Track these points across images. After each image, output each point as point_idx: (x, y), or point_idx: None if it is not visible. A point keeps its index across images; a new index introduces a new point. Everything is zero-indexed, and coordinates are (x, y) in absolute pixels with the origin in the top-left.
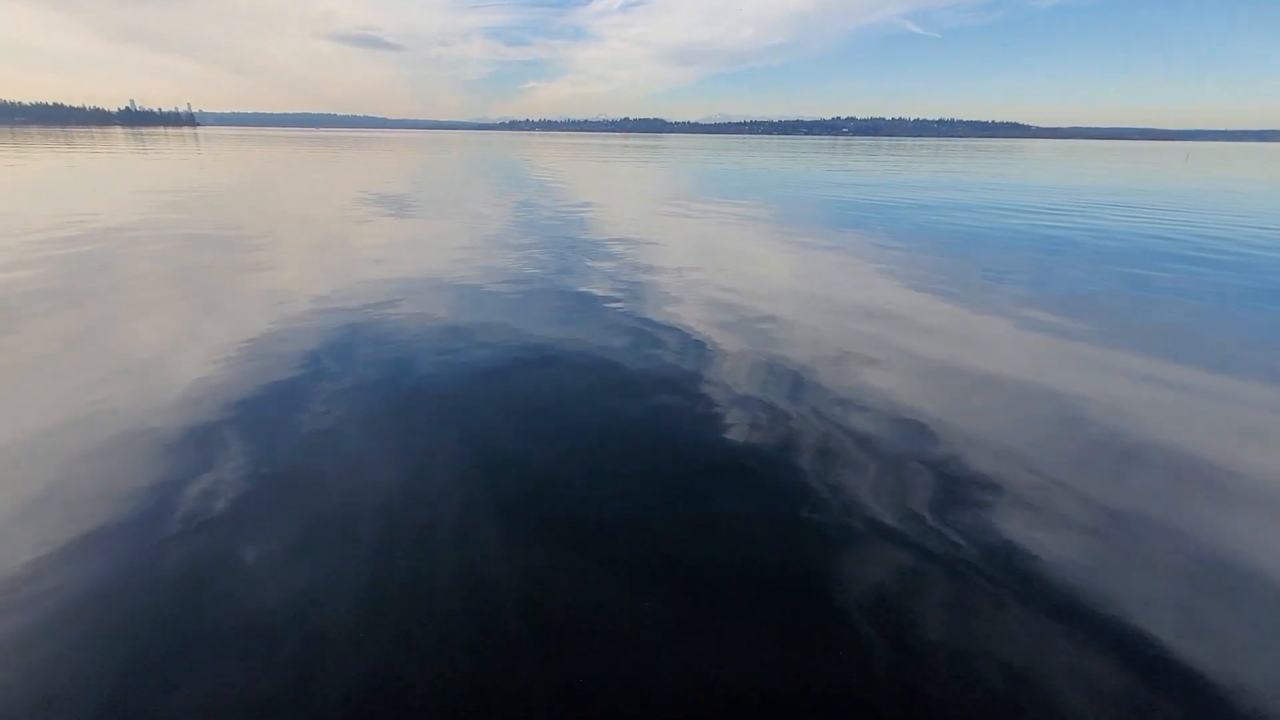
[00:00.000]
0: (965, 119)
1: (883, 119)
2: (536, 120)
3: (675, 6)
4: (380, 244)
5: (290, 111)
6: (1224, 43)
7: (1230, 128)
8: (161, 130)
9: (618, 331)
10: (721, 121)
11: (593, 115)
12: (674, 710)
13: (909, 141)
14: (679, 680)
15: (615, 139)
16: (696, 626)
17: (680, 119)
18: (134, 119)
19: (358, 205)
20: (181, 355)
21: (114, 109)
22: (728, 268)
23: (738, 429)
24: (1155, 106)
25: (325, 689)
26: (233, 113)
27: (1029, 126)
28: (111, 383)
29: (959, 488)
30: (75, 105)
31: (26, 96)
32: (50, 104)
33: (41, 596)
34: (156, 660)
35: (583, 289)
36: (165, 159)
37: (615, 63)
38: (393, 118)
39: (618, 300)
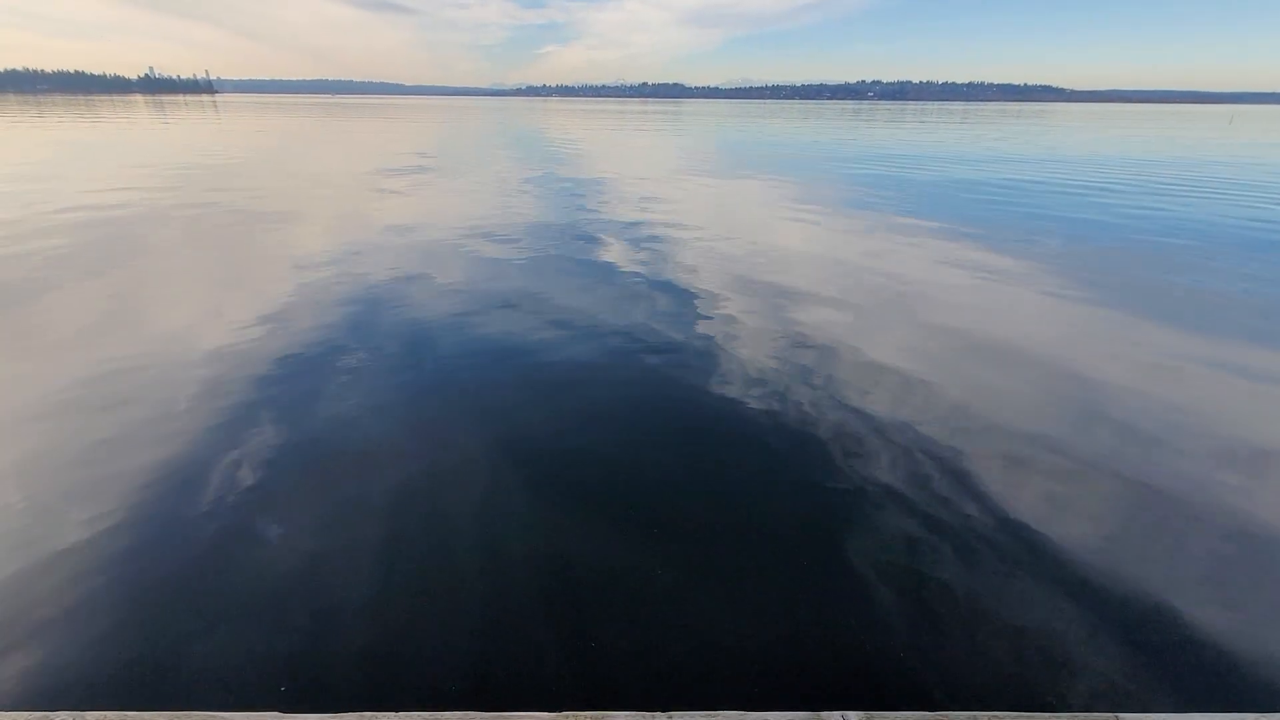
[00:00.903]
0: (996, 82)
1: (909, 82)
2: (554, 86)
3: None
4: (402, 214)
5: (307, 78)
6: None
7: (1273, 89)
8: (181, 98)
9: (633, 300)
10: (743, 86)
11: (610, 81)
12: (684, 668)
13: (934, 106)
14: (690, 639)
15: (633, 105)
16: (709, 587)
17: (700, 84)
18: (153, 86)
19: (378, 175)
20: (209, 324)
21: (133, 77)
22: (743, 237)
23: (750, 399)
24: (1197, 66)
25: (344, 647)
26: (250, 80)
27: (1063, 90)
28: (138, 353)
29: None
30: (96, 73)
31: (48, 64)
32: (71, 71)
33: (70, 569)
34: (183, 619)
35: (600, 258)
36: (187, 127)
37: (634, 26)
38: (409, 84)
39: (633, 269)
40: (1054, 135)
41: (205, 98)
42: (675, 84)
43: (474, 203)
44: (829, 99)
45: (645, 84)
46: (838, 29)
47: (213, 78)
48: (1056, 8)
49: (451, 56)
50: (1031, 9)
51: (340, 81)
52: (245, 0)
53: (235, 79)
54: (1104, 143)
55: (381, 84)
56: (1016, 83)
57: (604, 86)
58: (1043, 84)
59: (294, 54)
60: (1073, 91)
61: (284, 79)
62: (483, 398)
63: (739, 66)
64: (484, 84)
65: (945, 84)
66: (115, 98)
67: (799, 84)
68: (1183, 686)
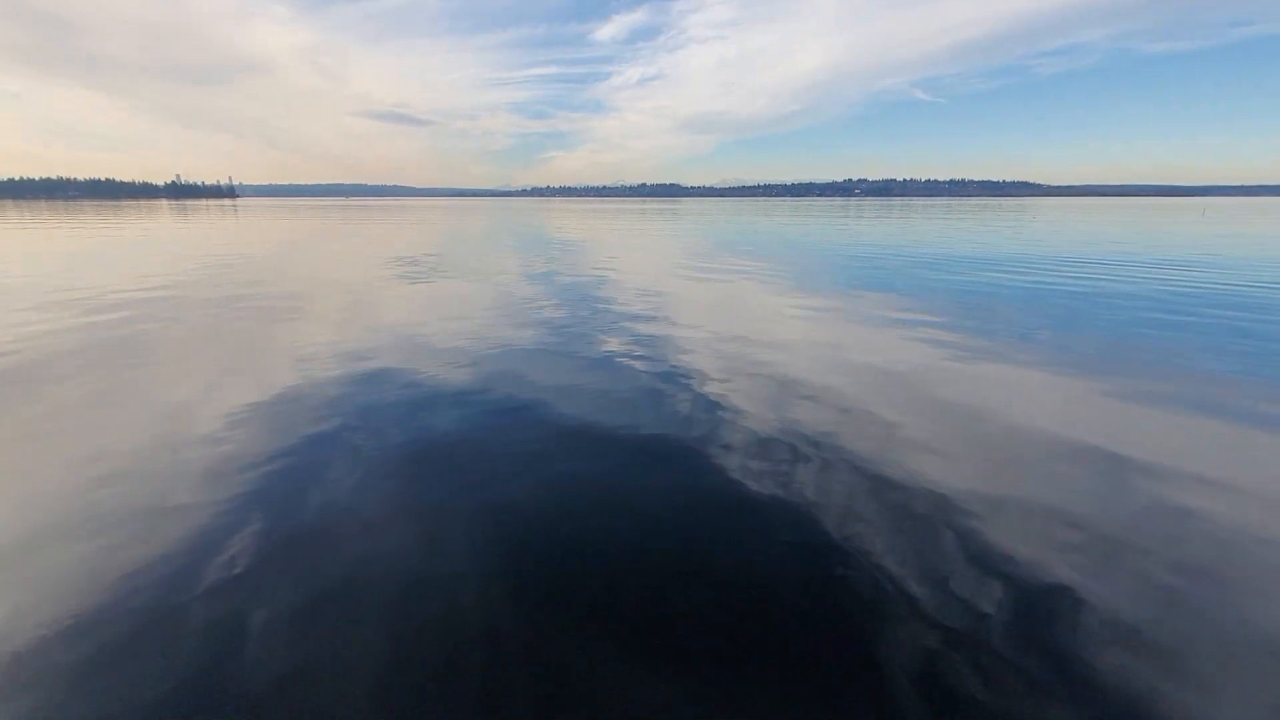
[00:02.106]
0: (976, 179)
1: (894, 180)
2: (557, 187)
3: (689, 80)
4: (405, 304)
5: (323, 182)
6: (1231, 102)
7: (1243, 183)
8: (204, 203)
9: (633, 388)
10: (736, 185)
11: (611, 181)
12: None
13: (919, 201)
14: None
15: (633, 204)
16: (709, 697)
17: (696, 184)
18: (179, 192)
19: (384, 268)
20: (209, 409)
21: (160, 183)
22: (738, 324)
23: (748, 482)
24: (1166, 163)
25: None
26: (269, 184)
27: (1040, 185)
28: (137, 437)
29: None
30: (125, 180)
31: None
32: (102, 179)
33: (51, 667)
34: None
35: (600, 347)
36: (204, 228)
37: (632, 132)
38: (421, 186)
39: (633, 356)
40: (1050, 228)
41: (227, 201)
42: (672, 184)
43: (476, 294)
44: (819, 196)
45: (644, 184)
46: (824, 133)
47: (235, 183)
48: (1029, 114)
49: (461, 161)
50: (1009, 112)
51: (356, 185)
52: (270, 114)
53: (256, 184)
54: (1113, 235)
55: (395, 187)
56: (995, 179)
57: (604, 187)
58: (1020, 180)
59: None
60: (1049, 186)
61: (302, 184)
62: (479, 487)
63: (732, 167)
64: (491, 185)
65: (928, 181)
66: (142, 202)
67: (789, 183)
68: None
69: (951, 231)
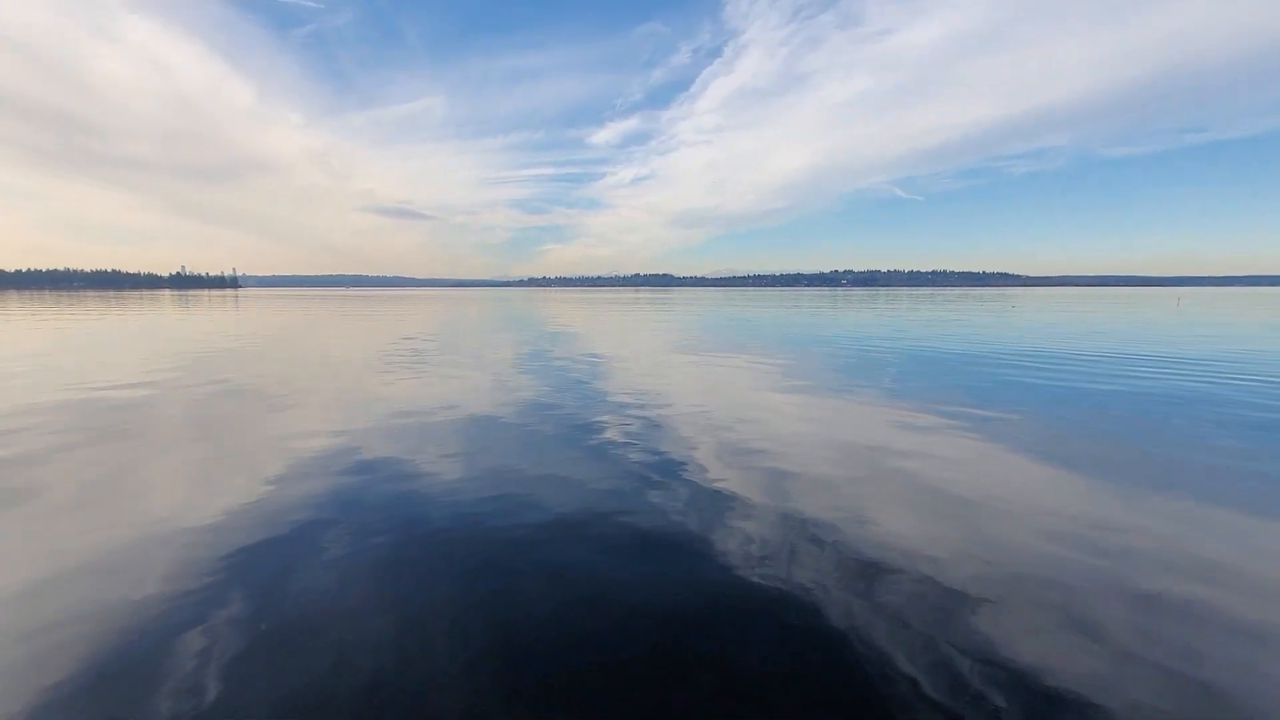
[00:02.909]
0: (957, 270)
1: (879, 271)
2: (553, 278)
3: (680, 179)
4: (398, 391)
5: (325, 273)
6: (1186, 201)
7: (1212, 274)
8: (206, 293)
9: (626, 479)
10: (727, 276)
11: (605, 272)
12: None
13: (904, 290)
14: None
15: (627, 293)
16: None
17: (688, 274)
18: (183, 283)
19: (379, 355)
20: (194, 501)
21: (165, 274)
22: (728, 411)
23: (738, 570)
24: (1139, 255)
25: None
26: (272, 275)
27: (1018, 275)
28: (116, 529)
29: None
30: (130, 271)
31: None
32: (108, 270)
33: None
34: None
35: (590, 433)
36: (202, 318)
37: (626, 226)
38: (421, 277)
39: (625, 445)
40: (1035, 315)
41: (229, 291)
42: (665, 274)
43: (469, 381)
44: (807, 286)
45: (637, 274)
46: (809, 227)
47: (239, 274)
48: (1002, 210)
49: (460, 253)
50: (983, 208)
51: (357, 276)
52: (278, 209)
53: (260, 275)
54: (1093, 323)
55: (395, 278)
56: (976, 270)
57: (599, 277)
58: (1000, 271)
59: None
60: (1028, 277)
61: (305, 274)
62: (469, 577)
63: (723, 258)
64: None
65: (911, 272)
66: (145, 293)
67: (778, 273)
68: None
69: (952, 320)
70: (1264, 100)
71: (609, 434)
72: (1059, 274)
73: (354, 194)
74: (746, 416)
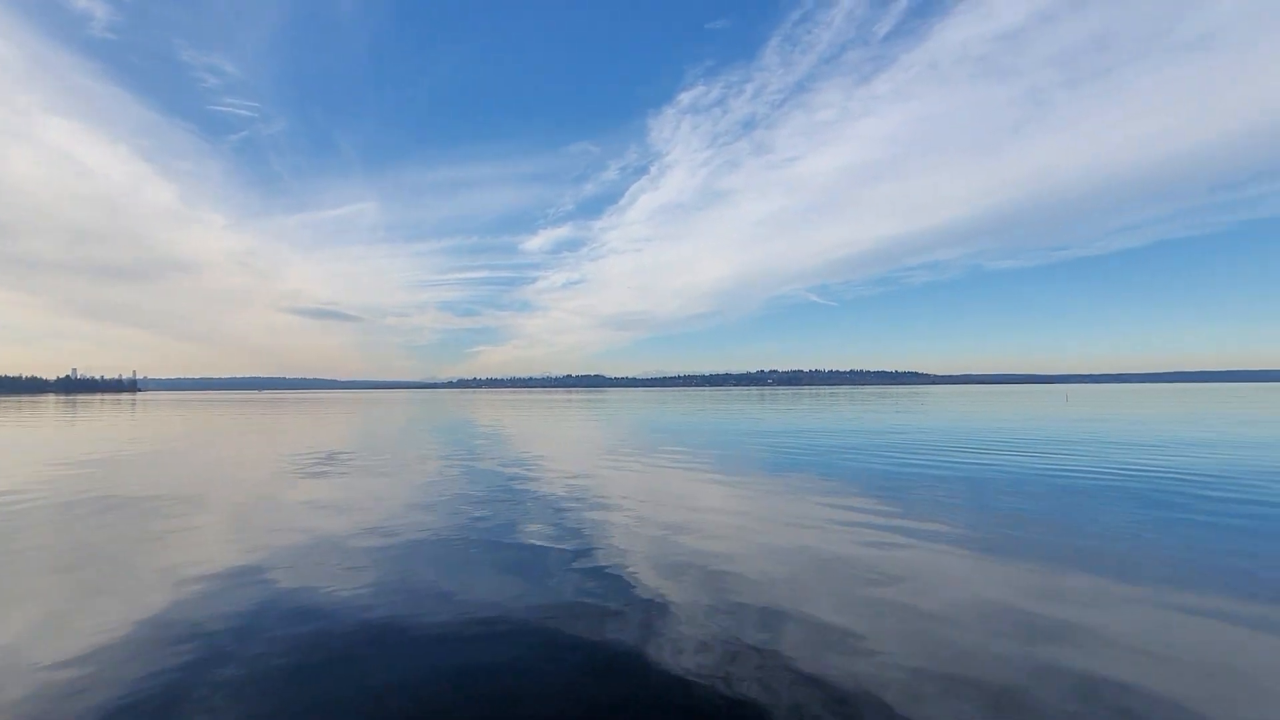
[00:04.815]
0: (873, 369)
1: (801, 370)
2: (483, 379)
3: (610, 284)
4: (308, 503)
5: (239, 375)
6: (1059, 308)
7: (1094, 372)
8: (98, 397)
9: (552, 588)
10: (658, 376)
11: (537, 373)
12: None
13: (825, 389)
14: None
15: (559, 394)
16: None
17: (619, 374)
18: (72, 386)
19: (291, 464)
20: (63, 636)
21: (52, 378)
22: (657, 509)
23: (660, 670)
24: (1030, 356)
25: None
26: (180, 377)
27: (927, 375)
28: None
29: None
30: (12, 375)
31: None
32: None
33: None
34: None
35: (518, 540)
36: (89, 425)
37: (558, 329)
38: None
39: (551, 552)
40: (954, 410)
41: (126, 396)
42: (596, 375)
43: (389, 488)
44: (734, 386)
45: (569, 375)
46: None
47: (140, 376)
48: (906, 315)
49: (388, 355)
50: (891, 313)
51: (274, 378)
52: (194, 311)
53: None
54: (1002, 416)
55: (315, 380)
56: (890, 369)
57: (530, 378)
58: (911, 370)
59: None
60: (935, 376)
61: (216, 376)
62: (377, 701)
63: (653, 360)
64: (417, 377)
65: (831, 371)
66: (25, 398)
67: (707, 373)
68: None
69: (889, 418)
70: (1111, 226)
71: (534, 540)
72: (961, 373)
73: (278, 294)
74: (676, 519)
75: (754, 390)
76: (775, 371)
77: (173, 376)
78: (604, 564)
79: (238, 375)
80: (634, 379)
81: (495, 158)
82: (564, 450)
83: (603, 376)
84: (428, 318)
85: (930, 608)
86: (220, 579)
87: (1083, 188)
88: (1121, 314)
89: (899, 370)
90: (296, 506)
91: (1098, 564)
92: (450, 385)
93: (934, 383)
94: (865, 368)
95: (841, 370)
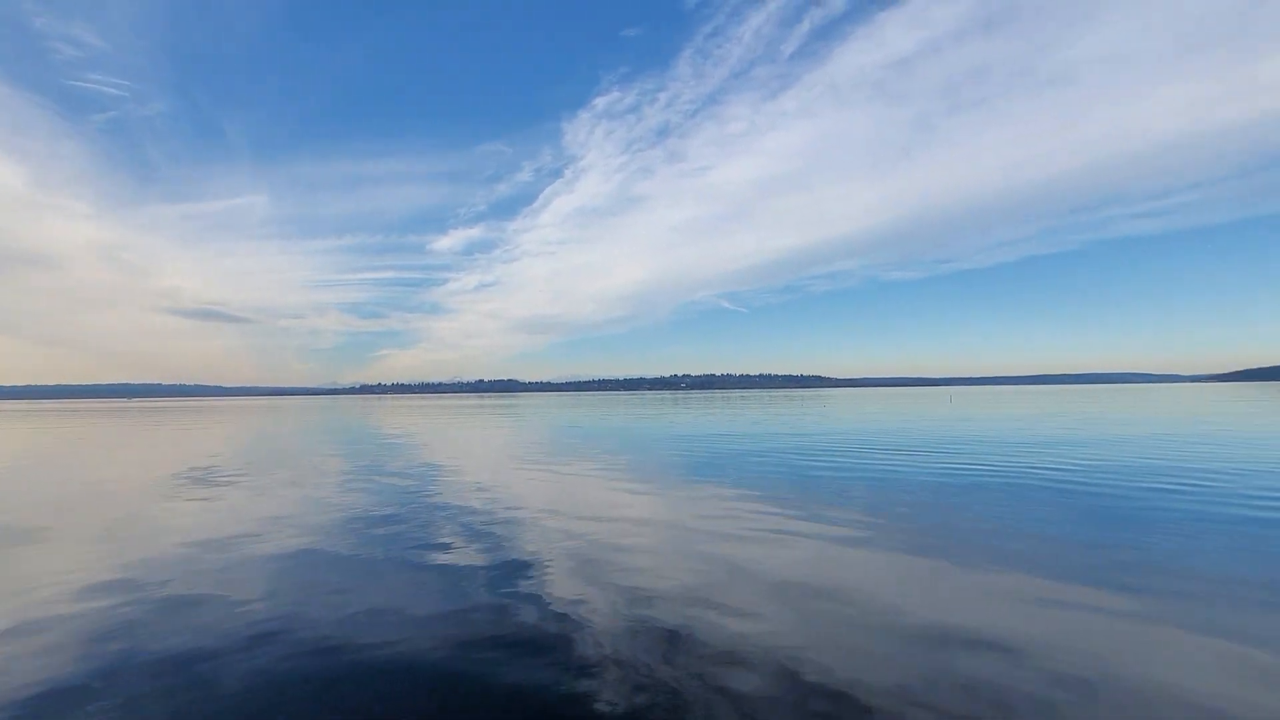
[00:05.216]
0: (780, 374)
1: (714, 375)
2: (389, 384)
3: (524, 287)
4: (185, 524)
5: (105, 382)
6: (945, 315)
7: (974, 375)
8: None
9: (461, 596)
10: (572, 380)
11: (447, 378)
12: None
13: (735, 392)
14: None
15: (470, 399)
16: None
17: (533, 379)
18: None
19: (166, 480)
20: None
21: None
22: (571, 518)
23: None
24: (919, 360)
25: None
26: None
27: (830, 378)
28: None
29: None
30: None
31: None
32: None
33: None
34: None
35: (423, 556)
36: None
37: (470, 332)
38: (233, 385)
39: (459, 558)
40: (860, 410)
41: None
42: (510, 379)
43: (282, 503)
44: (649, 390)
45: (481, 380)
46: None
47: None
48: (809, 323)
49: (283, 359)
50: (796, 320)
51: (149, 385)
52: (55, 311)
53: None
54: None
55: (199, 386)
56: (796, 374)
57: (440, 384)
58: (815, 374)
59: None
60: (837, 379)
61: (80, 383)
62: None
63: (568, 364)
64: (316, 383)
65: (742, 375)
66: None
67: (622, 377)
68: None
69: (793, 419)
70: (988, 241)
71: (439, 556)
72: (860, 376)
73: (153, 294)
74: (587, 528)
75: (668, 394)
76: (689, 375)
77: (24, 384)
78: (509, 583)
79: (105, 382)
80: (549, 383)
81: (402, 153)
82: (473, 460)
83: (516, 381)
84: (328, 320)
85: (835, 609)
86: (81, 613)
87: (964, 206)
88: (997, 322)
89: (804, 374)
90: (173, 527)
91: (981, 555)
92: (353, 391)
93: (836, 386)
94: (773, 372)
95: (752, 374)
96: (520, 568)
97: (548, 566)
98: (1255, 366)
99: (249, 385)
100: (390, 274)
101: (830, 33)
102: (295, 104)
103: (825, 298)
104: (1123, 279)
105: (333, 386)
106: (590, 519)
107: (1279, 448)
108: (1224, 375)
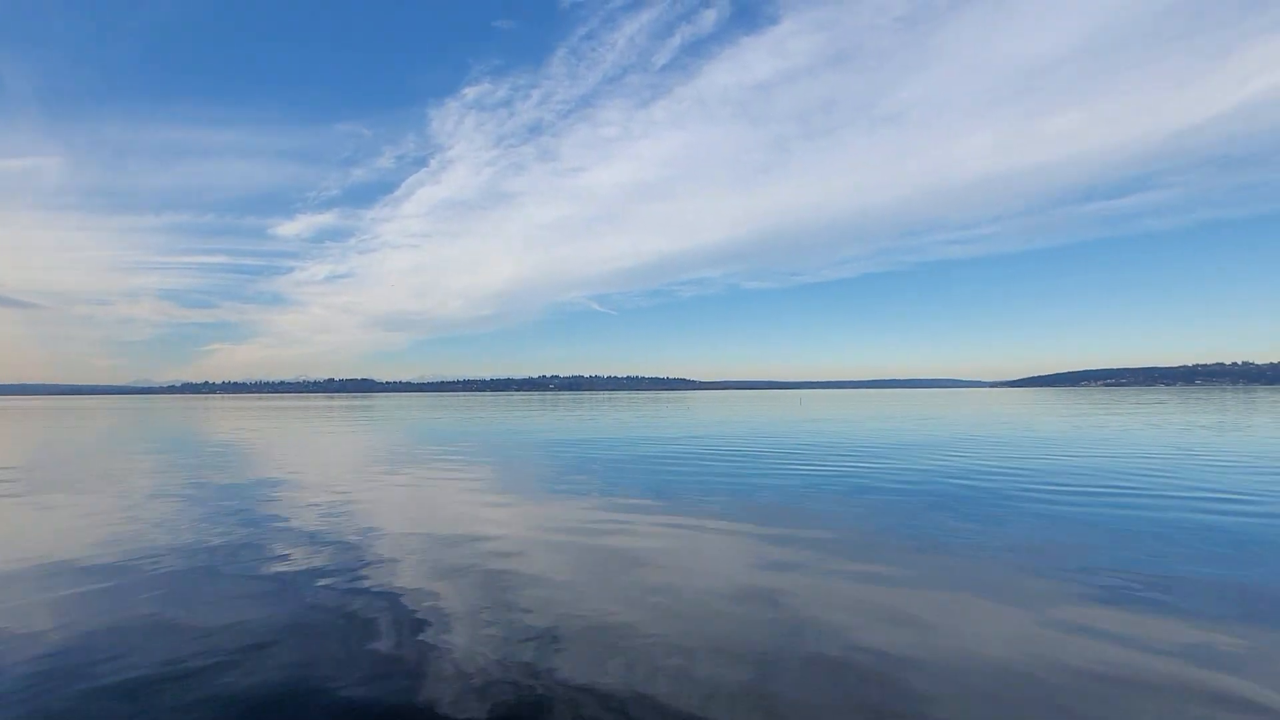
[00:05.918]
0: (647, 376)
1: (582, 376)
2: (219, 383)
3: (384, 280)
4: None
5: None
6: (798, 326)
7: (821, 379)
8: None
9: (300, 627)
10: (435, 381)
11: (291, 376)
12: None
13: (602, 394)
14: None
15: (318, 400)
16: None
17: (391, 379)
18: None
19: None
20: None
21: None
22: (424, 530)
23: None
24: (774, 365)
25: None
26: None
27: (694, 381)
28: None
29: None
30: None
31: None
32: None
33: None
34: None
35: (269, 568)
36: None
37: (318, 327)
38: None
39: (295, 584)
40: (712, 414)
41: None
42: (365, 379)
43: (78, 526)
44: (517, 391)
45: (332, 379)
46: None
47: None
48: (675, 327)
49: (80, 353)
50: (663, 324)
51: None
52: None
53: None
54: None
55: None
56: (662, 376)
57: (283, 382)
58: (680, 377)
59: None
60: (700, 382)
61: None
62: None
63: (430, 364)
64: (126, 381)
65: (610, 377)
66: None
67: (489, 378)
68: None
69: (658, 421)
70: (833, 258)
71: (291, 567)
72: (721, 379)
73: None
74: (450, 540)
75: (536, 395)
76: (557, 377)
77: None
78: (351, 591)
79: None
80: (409, 383)
81: (240, 123)
82: (311, 467)
83: (373, 380)
84: (143, 308)
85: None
86: None
87: (813, 225)
88: (842, 332)
89: (670, 377)
90: None
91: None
92: (173, 390)
93: (699, 388)
94: (641, 374)
95: (619, 376)
96: (347, 573)
97: (397, 573)
98: (1041, 374)
99: (36, 383)
100: (223, 259)
101: (700, 50)
102: (103, 51)
103: (690, 303)
104: (940, 297)
105: (148, 385)
106: (438, 535)
107: (1036, 433)
108: (1016, 381)
